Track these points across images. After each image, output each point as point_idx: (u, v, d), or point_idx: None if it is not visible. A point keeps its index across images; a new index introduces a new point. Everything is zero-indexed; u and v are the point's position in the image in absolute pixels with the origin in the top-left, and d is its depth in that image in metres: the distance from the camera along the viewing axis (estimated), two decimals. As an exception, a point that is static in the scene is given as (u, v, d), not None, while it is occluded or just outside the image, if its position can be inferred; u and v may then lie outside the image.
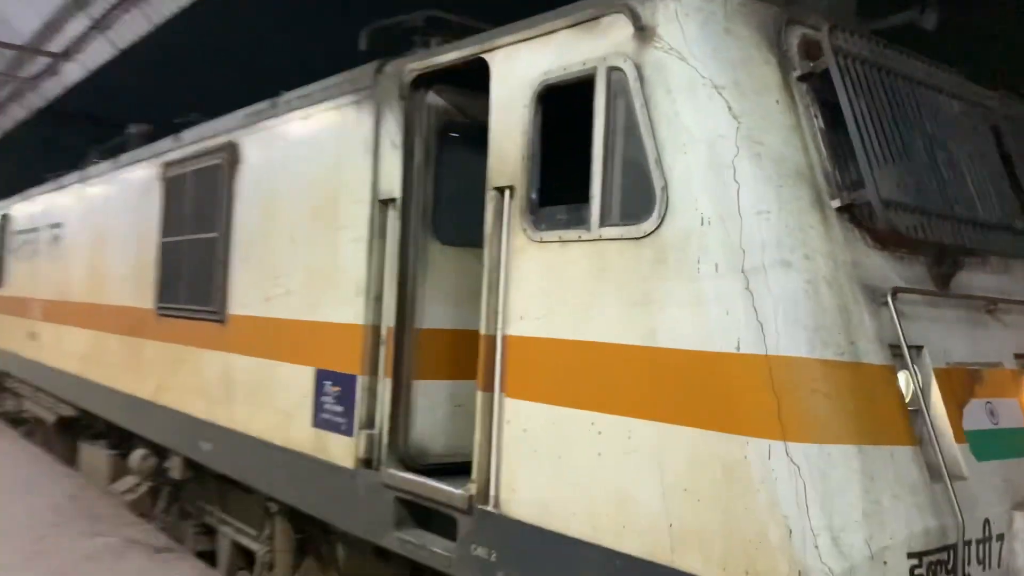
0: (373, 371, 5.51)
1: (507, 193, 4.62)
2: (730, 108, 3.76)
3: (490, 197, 4.73)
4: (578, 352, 4.17)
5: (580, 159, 4.31)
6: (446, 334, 5.54)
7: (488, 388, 4.66)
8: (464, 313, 5.58)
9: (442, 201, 5.53)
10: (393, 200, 5.44)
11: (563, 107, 4.56)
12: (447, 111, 5.55)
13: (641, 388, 3.88)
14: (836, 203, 3.76)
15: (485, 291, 4.71)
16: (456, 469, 5.38)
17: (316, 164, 6.22)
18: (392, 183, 5.45)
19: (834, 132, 3.91)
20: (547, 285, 4.37)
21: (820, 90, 3.97)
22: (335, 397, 5.80)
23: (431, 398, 5.46)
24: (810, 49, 4.03)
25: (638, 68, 4.01)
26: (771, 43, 3.96)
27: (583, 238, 4.20)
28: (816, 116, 3.91)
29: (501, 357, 4.59)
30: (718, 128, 3.76)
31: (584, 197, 4.31)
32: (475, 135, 5.69)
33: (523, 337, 4.48)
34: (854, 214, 3.81)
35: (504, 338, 4.58)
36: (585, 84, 4.28)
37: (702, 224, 3.71)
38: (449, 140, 5.54)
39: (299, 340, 6.26)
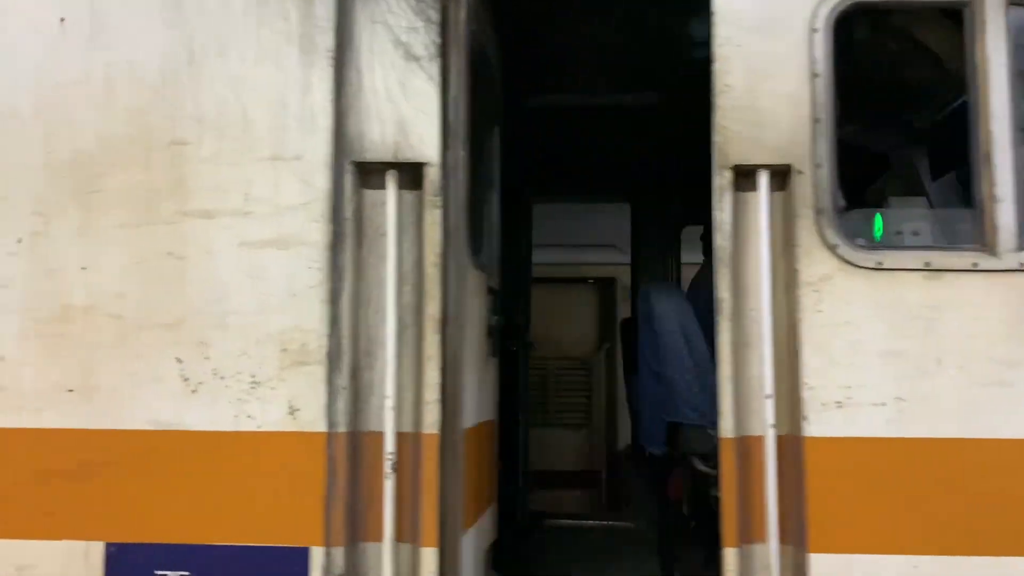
0: (355, 533, 2.52)
1: (764, 178, 2.57)
2: None
3: (725, 182, 2.58)
4: (1002, 459, 2.44)
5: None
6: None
7: (753, 537, 2.47)
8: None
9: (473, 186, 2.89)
10: (418, 167, 2.62)
11: None
12: (480, 25, 2.96)
13: None
14: None
15: (726, 352, 2.51)
16: None
17: (93, 70, 2.72)
18: (412, 132, 2.63)
19: None
20: (902, 346, 2.49)
21: None
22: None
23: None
24: None
25: None
26: None
27: (982, 267, 2.51)
28: None
29: (775, 475, 2.47)
30: None
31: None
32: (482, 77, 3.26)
33: (856, 440, 2.47)
34: None
35: (792, 442, 2.48)
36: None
37: None
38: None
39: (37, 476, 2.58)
